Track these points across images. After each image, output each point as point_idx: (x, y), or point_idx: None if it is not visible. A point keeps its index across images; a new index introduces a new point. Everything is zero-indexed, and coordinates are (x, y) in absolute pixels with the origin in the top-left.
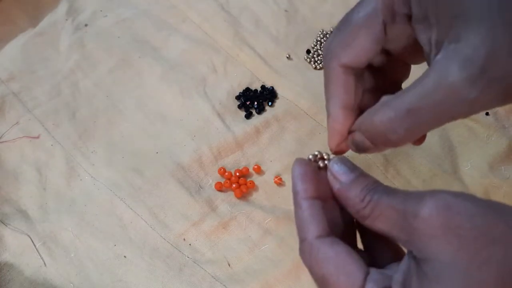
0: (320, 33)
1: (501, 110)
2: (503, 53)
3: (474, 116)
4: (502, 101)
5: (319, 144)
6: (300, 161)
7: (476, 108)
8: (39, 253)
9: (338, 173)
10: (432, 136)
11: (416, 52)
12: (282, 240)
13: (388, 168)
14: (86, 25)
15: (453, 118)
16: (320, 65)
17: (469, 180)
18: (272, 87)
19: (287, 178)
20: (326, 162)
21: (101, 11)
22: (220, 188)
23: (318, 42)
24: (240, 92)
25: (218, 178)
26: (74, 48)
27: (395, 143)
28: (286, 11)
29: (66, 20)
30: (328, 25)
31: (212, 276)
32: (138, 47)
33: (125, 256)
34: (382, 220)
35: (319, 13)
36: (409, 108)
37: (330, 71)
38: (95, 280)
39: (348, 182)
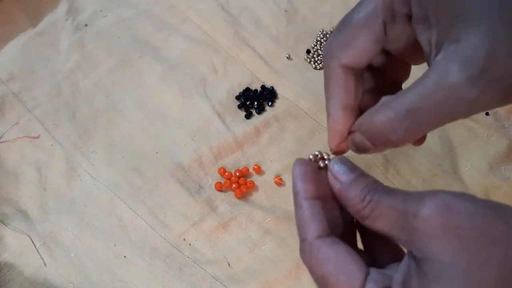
0: (320, 33)
1: (501, 110)
2: (503, 53)
3: (474, 116)
4: (502, 101)
5: (319, 144)
6: (300, 161)
7: (476, 109)
8: (39, 253)
9: (338, 173)
10: (432, 136)
11: (416, 52)
12: (282, 240)
13: (388, 168)
14: (86, 25)
15: (453, 118)
16: (320, 65)
17: (469, 180)
18: (272, 87)
19: (287, 178)
20: (326, 162)
21: (101, 11)
22: (220, 188)
23: (318, 42)
24: (240, 92)
25: (218, 178)
26: (74, 48)
27: (395, 144)
28: (286, 11)
29: (66, 20)
30: (328, 25)
31: (212, 276)
32: (138, 47)
33: (125, 256)
34: (382, 220)
35: (319, 13)
36: (409, 109)
37: (330, 71)
38: (95, 280)
39: (348, 182)
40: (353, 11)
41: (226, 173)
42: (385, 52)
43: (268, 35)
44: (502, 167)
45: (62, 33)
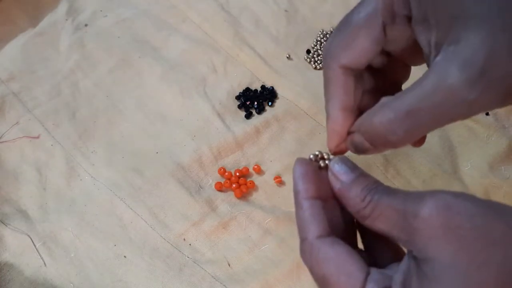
0: (320, 33)
1: (501, 110)
2: (502, 54)
3: (474, 116)
4: (502, 103)
5: (319, 144)
6: (301, 161)
7: (476, 110)
8: (39, 253)
9: (338, 172)
10: (432, 136)
11: (415, 53)
12: (282, 240)
13: (388, 168)
14: (86, 25)
15: (452, 119)
16: (320, 65)
17: (469, 180)
18: (272, 87)
19: (287, 178)
20: (326, 162)
21: (101, 11)
22: (220, 188)
23: (318, 42)
24: (240, 92)
25: (218, 178)
26: (74, 48)
27: (394, 145)
28: (286, 11)
29: (66, 20)
30: (328, 25)
31: (212, 276)
32: (138, 47)
33: (125, 256)
34: (382, 220)
35: (319, 13)
36: (408, 110)
37: (330, 72)
38: (95, 280)
39: (348, 182)
40: (352, 11)
41: (226, 173)
42: (385, 53)
43: (268, 35)
44: (502, 167)
45: (62, 33)
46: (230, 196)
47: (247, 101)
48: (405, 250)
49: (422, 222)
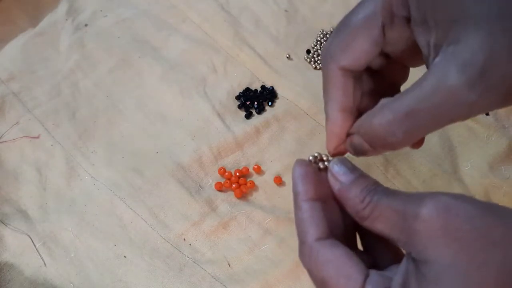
0: (320, 33)
1: (501, 110)
2: (502, 55)
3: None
4: (501, 104)
5: (319, 144)
6: (300, 162)
7: (475, 111)
8: (39, 253)
9: (338, 173)
10: (432, 136)
11: (415, 54)
12: (282, 240)
13: (388, 168)
14: (86, 25)
15: (451, 121)
16: (320, 65)
17: (469, 180)
18: (272, 87)
19: (287, 178)
20: (326, 163)
21: (101, 11)
22: (220, 188)
23: (318, 42)
24: (240, 92)
25: (218, 178)
26: (74, 48)
27: (393, 146)
28: (286, 11)
29: (66, 20)
30: (328, 25)
31: (212, 276)
32: (138, 47)
33: (125, 256)
34: (381, 221)
35: (319, 13)
36: (407, 111)
37: (329, 73)
38: (95, 280)
39: (348, 183)
40: (352, 13)
41: (226, 173)
42: (384, 54)
43: (268, 35)
44: (502, 167)
45: (62, 33)
46: (230, 196)
47: (247, 101)
48: (404, 251)
49: (421, 223)
